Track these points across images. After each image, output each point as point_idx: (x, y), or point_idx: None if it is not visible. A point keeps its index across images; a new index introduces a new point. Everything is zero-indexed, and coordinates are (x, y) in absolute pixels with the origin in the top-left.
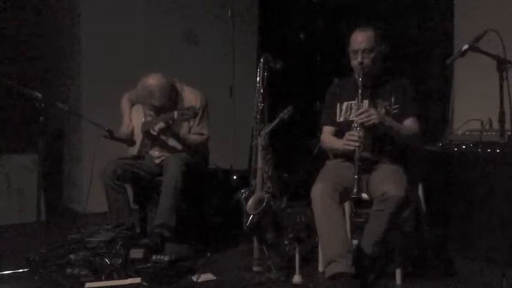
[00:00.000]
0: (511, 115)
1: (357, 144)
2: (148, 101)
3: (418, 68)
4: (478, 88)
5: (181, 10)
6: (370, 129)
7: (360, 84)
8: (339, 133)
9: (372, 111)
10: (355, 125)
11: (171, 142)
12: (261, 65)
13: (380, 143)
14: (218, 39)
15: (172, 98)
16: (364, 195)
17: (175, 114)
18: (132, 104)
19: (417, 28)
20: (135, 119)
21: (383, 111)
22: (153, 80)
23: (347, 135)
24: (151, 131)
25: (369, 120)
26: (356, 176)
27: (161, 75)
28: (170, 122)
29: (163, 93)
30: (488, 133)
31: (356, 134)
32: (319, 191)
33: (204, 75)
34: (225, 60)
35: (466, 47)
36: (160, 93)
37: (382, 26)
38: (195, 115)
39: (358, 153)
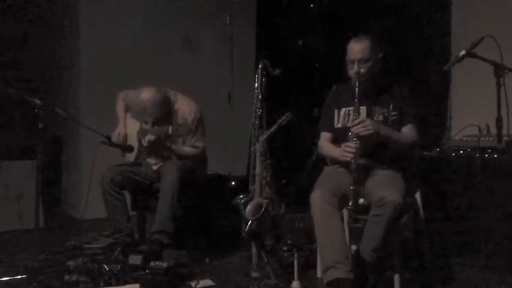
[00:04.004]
0: (508, 120)
1: (353, 155)
2: (141, 116)
3: (416, 74)
4: (476, 94)
5: (179, 17)
6: (366, 139)
7: (356, 94)
8: (337, 139)
9: (367, 121)
10: (351, 135)
11: (166, 152)
12: (259, 71)
13: (377, 149)
14: (216, 45)
15: (165, 112)
16: (362, 201)
17: (170, 129)
18: (126, 107)
19: (414, 35)
20: (130, 125)
21: (381, 118)
22: (145, 95)
23: (343, 146)
24: (142, 142)
25: (364, 131)
26: (352, 187)
27: (154, 90)
28: (162, 135)
29: (155, 110)
30: (486, 138)
31: (352, 145)
32: (318, 197)
33: (203, 81)
34: (223, 66)
35: (463, 52)
36: (152, 110)
37: (380, 32)
38: (189, 131)
39: (355, 164)
